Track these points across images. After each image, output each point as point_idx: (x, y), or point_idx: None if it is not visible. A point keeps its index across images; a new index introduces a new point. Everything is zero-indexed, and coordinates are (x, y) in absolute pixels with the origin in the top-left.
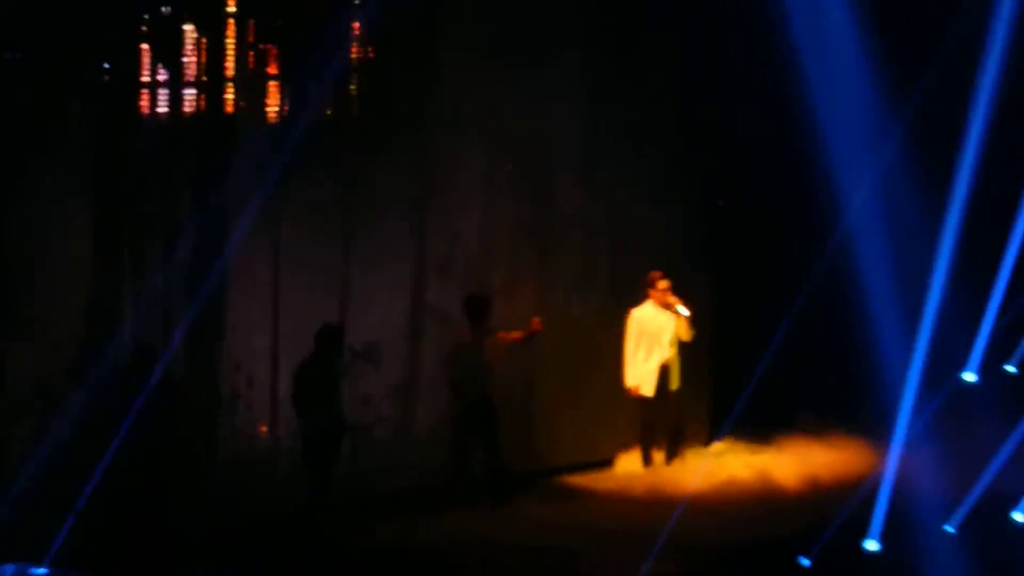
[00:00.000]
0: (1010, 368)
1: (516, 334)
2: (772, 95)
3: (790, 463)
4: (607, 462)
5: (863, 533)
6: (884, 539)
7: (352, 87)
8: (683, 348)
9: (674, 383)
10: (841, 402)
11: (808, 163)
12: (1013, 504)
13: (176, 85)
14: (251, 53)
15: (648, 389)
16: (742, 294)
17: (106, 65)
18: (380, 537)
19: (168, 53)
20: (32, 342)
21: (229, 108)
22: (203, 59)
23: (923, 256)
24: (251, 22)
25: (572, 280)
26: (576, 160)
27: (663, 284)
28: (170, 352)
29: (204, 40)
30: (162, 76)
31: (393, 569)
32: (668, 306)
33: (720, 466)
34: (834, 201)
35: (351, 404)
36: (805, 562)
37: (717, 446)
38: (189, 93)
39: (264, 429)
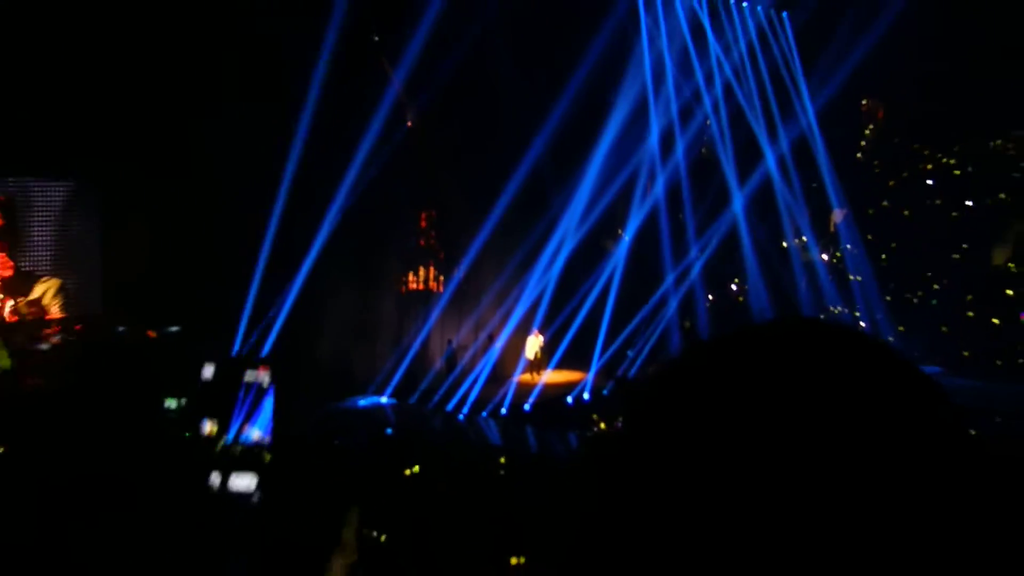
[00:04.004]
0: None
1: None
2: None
3: (569, 376)
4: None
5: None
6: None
7: (466, 275)
8: (542, 348)
9: (530, 356)
10: (582, 358)
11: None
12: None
13: (416, 280)
14: (446, 267)
15: (532, 357)
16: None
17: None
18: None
19: (415, 267)
20: (374, 343)
21: (432, 285)
22: (422, 268)
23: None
24: (450, 259)
25: (515, 328)
26: (516, 277)
27: (537, 332)
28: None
29: (421, 265)
30: (412, 279)
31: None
32: (536, 336)
33: (552, 377)
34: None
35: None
36: (570, 401)
37: (551, 372)
38: (415, 279)
39: (440, 367)
